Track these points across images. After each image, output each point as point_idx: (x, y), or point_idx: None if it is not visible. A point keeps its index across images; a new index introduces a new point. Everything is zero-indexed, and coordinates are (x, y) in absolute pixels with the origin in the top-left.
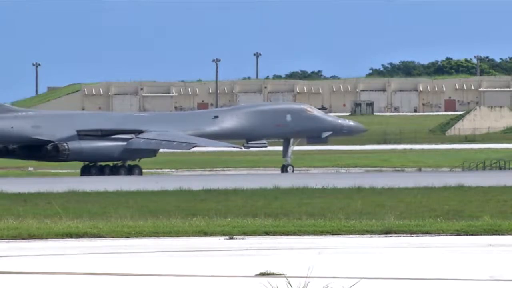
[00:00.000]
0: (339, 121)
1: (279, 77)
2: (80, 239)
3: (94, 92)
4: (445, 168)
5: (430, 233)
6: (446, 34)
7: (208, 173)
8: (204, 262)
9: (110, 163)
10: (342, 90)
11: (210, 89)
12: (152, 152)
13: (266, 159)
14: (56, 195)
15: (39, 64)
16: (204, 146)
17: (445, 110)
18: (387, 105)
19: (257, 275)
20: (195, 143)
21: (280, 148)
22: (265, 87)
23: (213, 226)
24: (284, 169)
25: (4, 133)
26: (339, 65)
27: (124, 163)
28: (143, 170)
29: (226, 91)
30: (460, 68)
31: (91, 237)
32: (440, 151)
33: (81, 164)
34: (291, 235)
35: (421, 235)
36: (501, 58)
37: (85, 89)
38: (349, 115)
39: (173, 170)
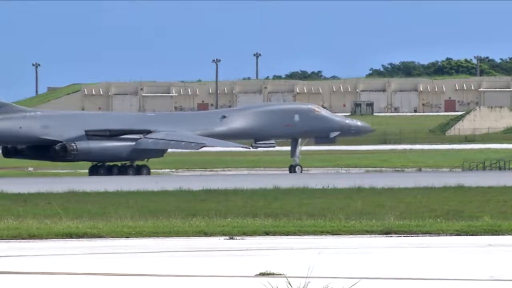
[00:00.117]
0: (347, 121)
1: (279, 77)
2: (80, 239)
3: (94, 92)
4: (445, 168)
5: (430, 233)
6: (446, 34)
7: (208, 173)
8: (204, 262)
9: (118, 163)
10: (342, 90)
11: (210, 89)
12: (161, 152)
13: (266, 159)
14: (56, 195)
15: (39, 64)
16: (213, 146)
17: (445, 111)
18: (387, 105)
19: (257, 275)
20: (203, 143)
21: (280, 148)
22: (265, 88)
23: (213, 226)
24: (292, 169)
25: (13, 133)
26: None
27: (132, 163)
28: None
29: (226, 92)
30: (460, 69)
31: (91, 237)
32: (440, 151)
33: (86, 164)
34: (291, 235)
35: (421, 235)
36: (501, 59)
37: (85, 89)
38: (349, 115)
39: (173, 170)
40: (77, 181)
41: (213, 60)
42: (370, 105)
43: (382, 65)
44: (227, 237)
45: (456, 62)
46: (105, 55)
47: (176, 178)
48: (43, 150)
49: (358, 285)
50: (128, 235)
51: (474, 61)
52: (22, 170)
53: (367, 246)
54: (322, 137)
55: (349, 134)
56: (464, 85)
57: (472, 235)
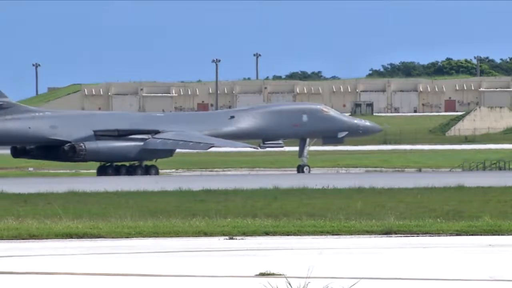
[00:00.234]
0: (355, 121)
1: (279, 77)
2: (80, 239)
3: (94, 93)
4: (445, 169)
5: (430, 234)
6: (446, 35)
7: (208, 174)
8: (204, 262)
9: (127, 163)
10: (342, 90)
11: (210, 90)
12: (169, 153)
13: (267, 159)
14: (56, 195)
15: (39, 65)
16: (221, 147)
17: (445, 111)
18: (387, 105)
19: (257, 275)
20: (212, 144)
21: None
22: (265, 88)
23: (213, 226)
24: (300, 169)
25: (22, 133)
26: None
27: (140, 163)
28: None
29: (226, 92)
30: (460, 69)
31: (91, 238)
32: (440, 152)
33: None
34: (291, 235)
35: (421, 235)
36: (501, 59)
37: (85, 90)
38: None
39: (173, 170)
40: (77, 181)
41: (213, 60)
42: (370, 105)
43: (382, 65)
44: (227, 237)
45: (456, 62)
46: (105, 55)
47: (176, 178)
48: (52, 150)
49: (358, 285)
50: (128, 235)
51: (474, 61)
52: (22, 170)
53: (367, 246)
54: (330, 137)
55: (357, 134)
56: (464, 85)
57: (472, 235)
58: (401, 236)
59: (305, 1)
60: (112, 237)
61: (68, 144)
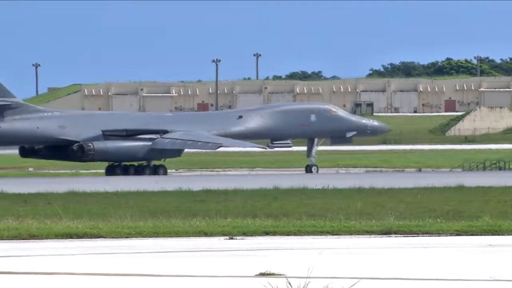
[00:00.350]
0: (363, 121)
1: (279, 77)
2: (80, 239)
3: (94, 93)
4: (445, 169)
5: (430, 234)
6: (446, 35)
7: (209, 174)
8: (204, 262)
9: (135, 163)
10: (342, 90)
11: (210, 90)
12: (177, 152)
13: (267, 159)
14: (56, 195)
15: (39, 65)
16: (230, 146)
17: (445, 111)
18: (387, 105)
19: (257, 275)
20: (221, 143)
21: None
22: (265, 88)
23: (213, 226)
24: (308, 169)
25: (30, 133)
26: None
27: (149, 163)
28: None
29: (226, 92)
30: (460, 69)
31: (91, 238)
32: (440, 152)
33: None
34: (291, 235)
35: (421, 235)
36: (501, 59)
37: (85, 90)
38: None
39: (173, 170)
40: (77, 181)
41: (213, 60)
42: (370, 105)
43: (382, 65)
44: (227, 237)
45: (456, 62)
46: (105, 55)
47: (176, 178)
48: (60, 150)
49: (358, 285)
50: (128, 235)
51: (474, 61)
52: (22, 170)
53: (367, 246)
54: (338, 137)
55: (365, 134)
56: (464, 85)
57: (472, 235)
58: (401, 236)
59: (305, 1)
60: (112, 237)
61: (77, 144)
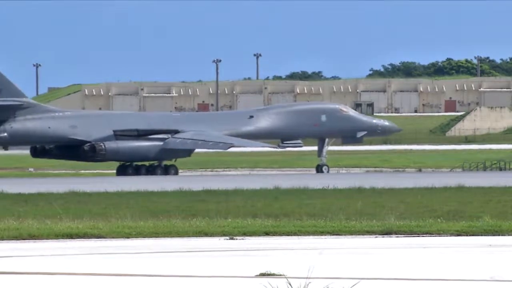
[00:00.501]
0: (374, 121)
1: (279, 77)
2: (81, 239)
3: (94, 93)
4: (445, 169)
5: (430, 234)
6: (446, 35)
7: (209, 174)
8: (204, 262)
9: (146, 163)
10: (342, 90)
11: (210, 90)
12: (188, 152)
13: (267, 159)
14: (56, 195)
15: (39, 65)
16: (240, 146)
17: (446, 111)
18: (388, 105)
19: (257, 275)
20: (231, 143)
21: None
22: (266, 88)
23: (213, 226)
24: (319, 169)
25: (42, 133)
26: (339, 66)
27: (160, 163)
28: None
29: (226, 92)
30: (460, 69)
31: (91, 238)
32: (440, 152)
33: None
34: (291, 235)
35: (422, 235)
36: (501, 59)
37: (86, 90)
38: None
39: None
40: (77, 181)
41: (214, 60)
42: (371, 105)
43: (383, 66)
44: (228, 238)
45: (456, 62)
46: (105, 55)
47: (177, 178)
48: (72, 150)
49: (359, 285)
50: (128, 236)
51: (475, 61)
52: (22, 171)
53: (367, 247)
54: (349, 137)
55: (375, 134)
56: (465, 86)
57: (472, 235)
58: (401, 236)
59: (305, 1)
60: (113, 237)
61: (88, 144)
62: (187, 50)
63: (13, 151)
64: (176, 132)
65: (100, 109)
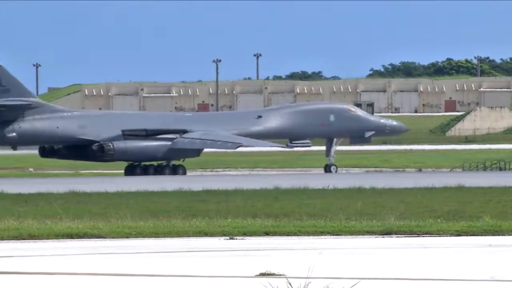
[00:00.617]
0: (382, 121)
1: (279, 77)
2: (81, 239)
3: (94, 93)
4: (446, 169)
5: (430, 234)
6: (446, 35)
7: (209, 174)
8: (204, 262)
9: (155, 163)
10: (342, 90)
11: (210, 90)
12: (197, 152)
13: (267, 159)
14: (56, 195)
15: (39, 65)
16: (249, 146)
17: (446, 111)
18: (388, 105)
19: (257, 275)
20: (240, 143)
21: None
22: (266, 88)
23: (213, 226)
24: (327, 168)
25: (50, 133)
26: (339, 66)
27: (168, 162)
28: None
29: (226, 92)
30: (460, 69)
31: (91, 238)
32: (440, 152)
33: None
34: (291, 235)
35: (422, 235)
36: (501, 59)
37: (86, 90)
38: None
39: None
40: (77, 181)
41: (214, 60)
42: (371, 105)
43: (383, 66)
44: (228, 238)
45: (456, 62)
46: (105, 55)
47: (177, 178)
48: (80, 150)
49: (359, 285)
50: (128, 236)
51: (475, 61)
52: (22, 171)
53: (367, 247)
54: (357, 136)
55: (384, 134)
56: (465, 86)
57: (472, 235)
58: (401, 237)
59: (305, 1)
60: (113, 237)
61: (97, 143)
62: (187, 50)
63: (14, 151)
64: (185, 132)
65: (100, 109)
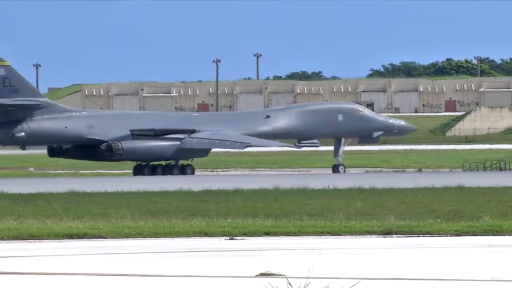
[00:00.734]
0: (390, 121)
1: (279, 77)
2: (81, 239)
3: (94, 93)
4: (446, 169)
5: (430, 234)
6: (446, 35)
7: (209, 174)
8: (204, 262)
9: (163, 163)
10: (342, 90)
11: (210, 90)
12: (205, 152)
13: (267, 159)
14: (56, 195)
15: (39, 65)
16: (257, 146)
17: (446, 111)
18: (388, 105)
19: (257, 275)
20: (248, 143)
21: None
22: (266, 88)
23: (213, 226)
24: (335, 168)
25: (59, 133)
26: (339, 66)
27: (177, 162)
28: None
29: (226, 92)
30: (460, 69)
31: (91, 238)
32: (440, 152)
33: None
34: (291, 235)
35: (422, 235)
36: (501, 59)
37: (86, 90)
38: None
39: None
40: (77, 181)
41: (214, 60)
42: (371, 105)
43: (383, 66)
44: (228, 238)
45: (456, 62)
46: (105, 55)
47: (177, 178)
48: (89, 150)
49: (359, 285)
50: (128, 236)
51: (475, 61)
52: (22, 170)
53: (367, 247)
54: (365, 136)
55: (392, 133)
56: (465, 86)
57: (472, 235)
58: (401, 237)
59: (305, 1)
60: (113, 237)
61: (105, 143)
62: (187, 50)
63: (14, 151)
64: (193, 131)
65: (101, 108)
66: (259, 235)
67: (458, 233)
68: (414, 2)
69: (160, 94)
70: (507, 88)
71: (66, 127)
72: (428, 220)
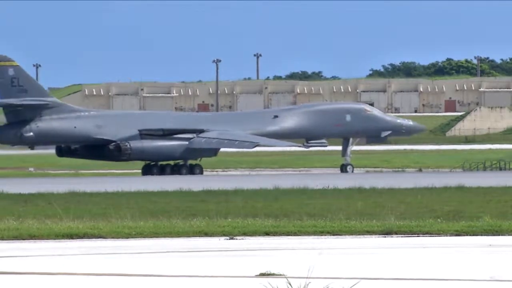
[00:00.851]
0: (398, 121)
1: (279, 77)
2: (81, 239)
3: (94, 93)
4: (446, 169)
5: (430, 234)
6: (446, 35)
7: (209, 174)
8: (204, 262)
9: (171, 163)
10: (342, 90)
11: (210, 90)
12: (213, 152)
13: (267, 159)
14: (56, 195)
15: (39, 65)
16: (266, 145)
17: (446, 111)
18: (388, 105)
19: (257, 275)
20: (257, 142)
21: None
22: (266, 88)
23: (213, 226)
24: (343, 168)
25: (67, 132)
26: (339, 66)
27: (185, 162)
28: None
29: (226, 92)
30: (460, 69)
31: (91, 238)
32: (440, 152)
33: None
34: (291, 235)
35: (422, 235)
36: (501, 59)
37: (86, 90)
38: None
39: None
40: (77, 181)
41: (214, 61)
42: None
43: (383, 66)
44: (228, 238)
45: (456, 62)
46: (105, 55)
47: (177, 178)
48: (97, 150)
49: (359, 285)
50: (128, 236)
51: (475, 61)
52: (22, 170)
53: (367, 247)
54: (373, 136)
55: (400, 133)
56: (465, 86)
57: (472, 235)
58: (401, 236)
59: (305, 1)
60: (113, 238)
61: (114, 143)
62: (187, 50)
63: (14, 151)
64: (201, 131)
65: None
66: (259, 235)
67: (458, 233)
68: (414, 2)
69: (160, 94)
70: (507, 88)
71: (75, 127)
72: (428, 220)
